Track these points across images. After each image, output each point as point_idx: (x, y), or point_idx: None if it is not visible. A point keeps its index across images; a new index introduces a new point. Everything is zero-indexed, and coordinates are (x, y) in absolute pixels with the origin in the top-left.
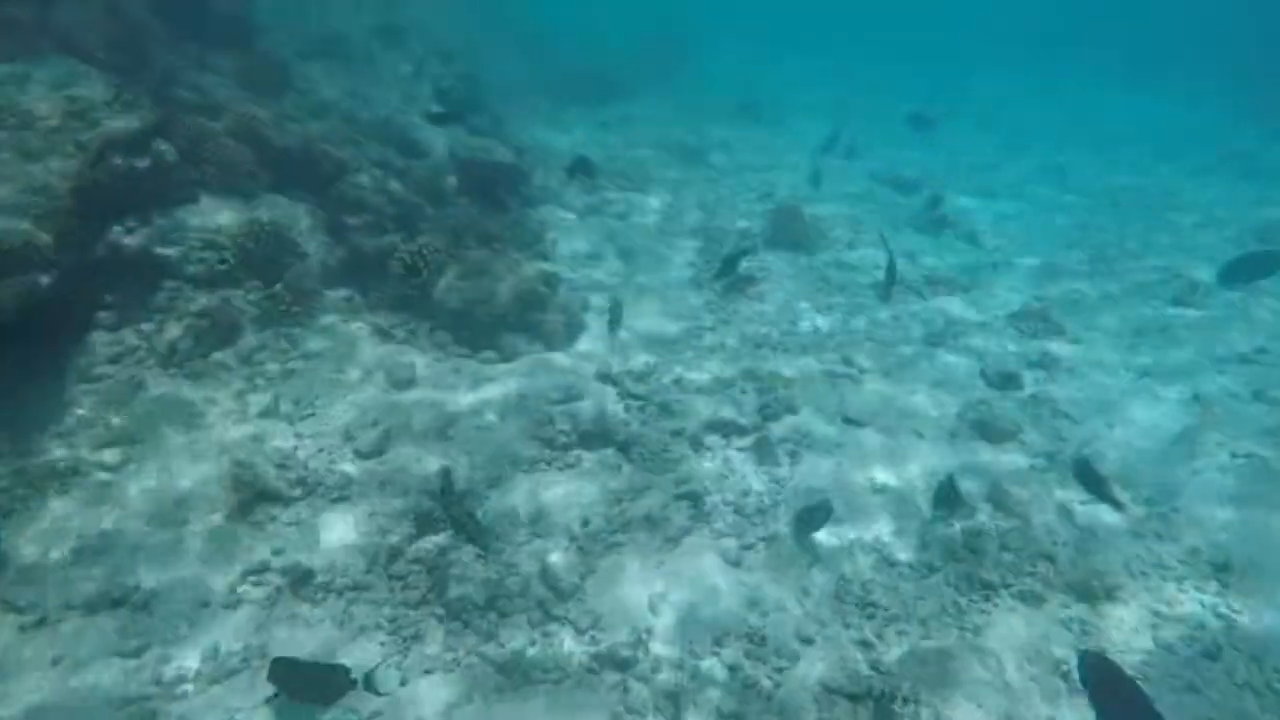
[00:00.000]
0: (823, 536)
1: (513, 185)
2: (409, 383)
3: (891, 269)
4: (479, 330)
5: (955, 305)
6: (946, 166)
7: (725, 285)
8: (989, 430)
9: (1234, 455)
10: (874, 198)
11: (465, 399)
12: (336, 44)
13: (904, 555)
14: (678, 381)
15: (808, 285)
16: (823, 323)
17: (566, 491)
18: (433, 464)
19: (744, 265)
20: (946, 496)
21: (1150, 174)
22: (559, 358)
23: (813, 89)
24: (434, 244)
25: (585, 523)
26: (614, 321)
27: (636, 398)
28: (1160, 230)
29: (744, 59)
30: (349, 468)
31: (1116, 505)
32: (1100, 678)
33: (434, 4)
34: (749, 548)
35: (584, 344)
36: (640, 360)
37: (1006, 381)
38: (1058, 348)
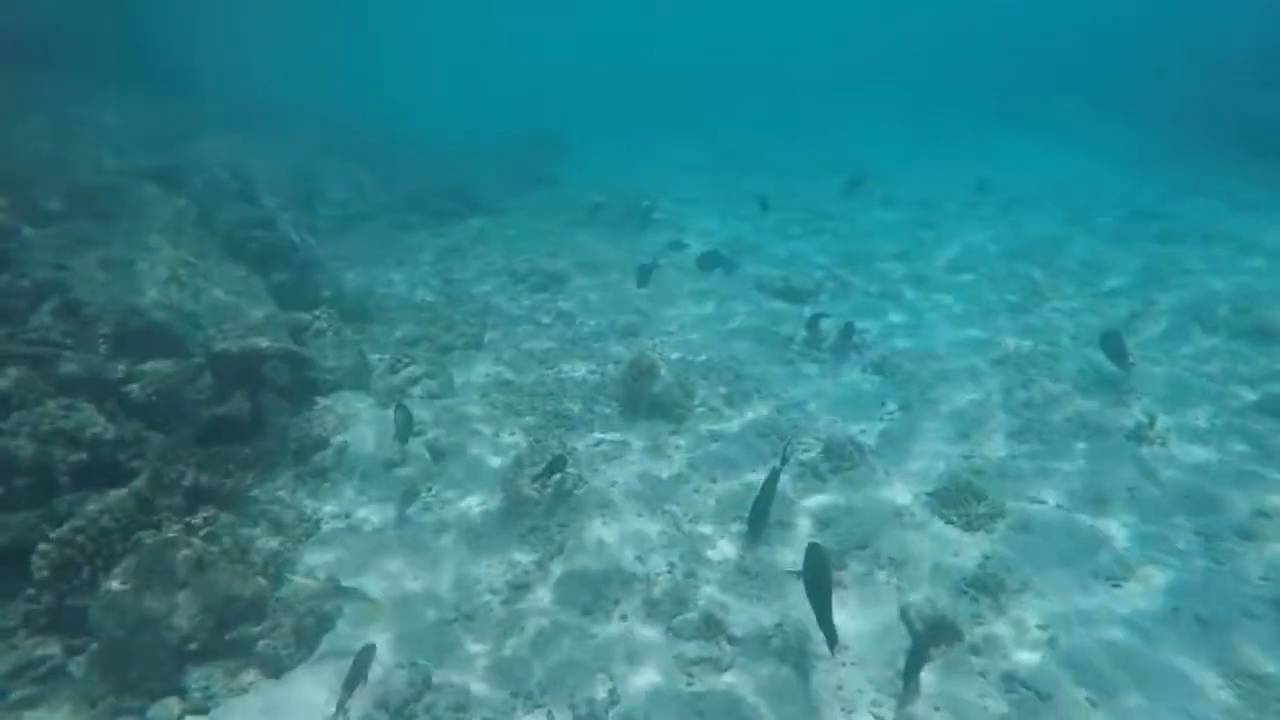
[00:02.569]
0: None
1: (297, 370)
2: None
3: (765, 500)
4: (151, 667)
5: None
6: (847, 258)
7: (554, 494)
8: None
9: None
10: (757, 335)
11: None
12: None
13: None
14: None
15: (663, 494)
16: (680, 575)
17: None
18: None
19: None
20: None
21: (1069, 248)
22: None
23: (699, 174)
24: (113, 515)
25: None
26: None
27: None
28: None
29: (628, 150)
30: None
31: None
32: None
33: (264, 131)
34: None
35: (307, 681)
36: (398, 685)
37: None
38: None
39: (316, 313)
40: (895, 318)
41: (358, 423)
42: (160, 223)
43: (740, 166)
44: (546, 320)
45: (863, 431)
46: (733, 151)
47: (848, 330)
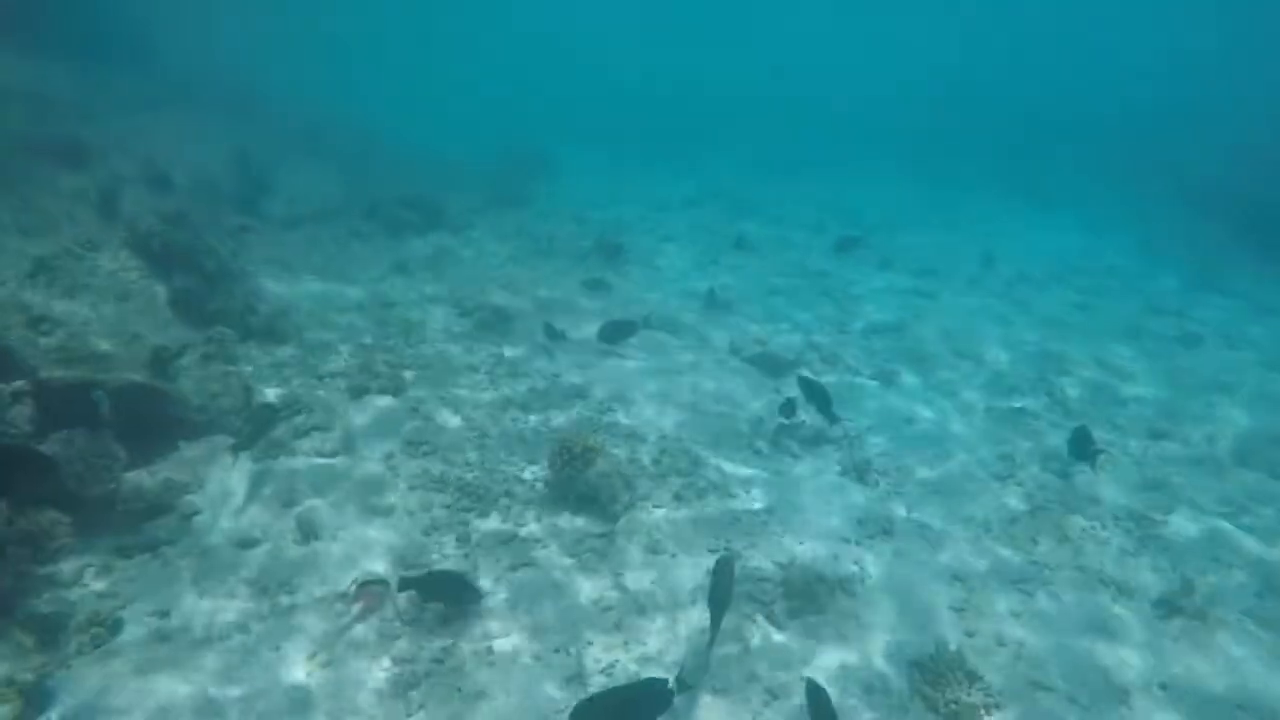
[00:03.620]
0: None
1: (152, 407)
2: None
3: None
4: None
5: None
6: (837, 325)
7: (434, 619)
8: None
9: None
10: (723, 414)
11: None
12: None
13: None
14: None
15: (575, 627)
16: None
17: None
18: None
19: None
20: None
21: (1082, 344)
22: None
23: (685, 211)
24: None
25: None
26: None
27: None
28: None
29: (616, 175)
30: None
31: None
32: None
33: (223, 115)
34: None
35: None
36: None
37: None
38: None
39: (213, 331)
40: (887, 403)
41: (219, 481)
42: (48, 202)
43: (731, 206)
44: (483, 369)
45: (834, 558)
46: (725, 189)
47: (825, 412)
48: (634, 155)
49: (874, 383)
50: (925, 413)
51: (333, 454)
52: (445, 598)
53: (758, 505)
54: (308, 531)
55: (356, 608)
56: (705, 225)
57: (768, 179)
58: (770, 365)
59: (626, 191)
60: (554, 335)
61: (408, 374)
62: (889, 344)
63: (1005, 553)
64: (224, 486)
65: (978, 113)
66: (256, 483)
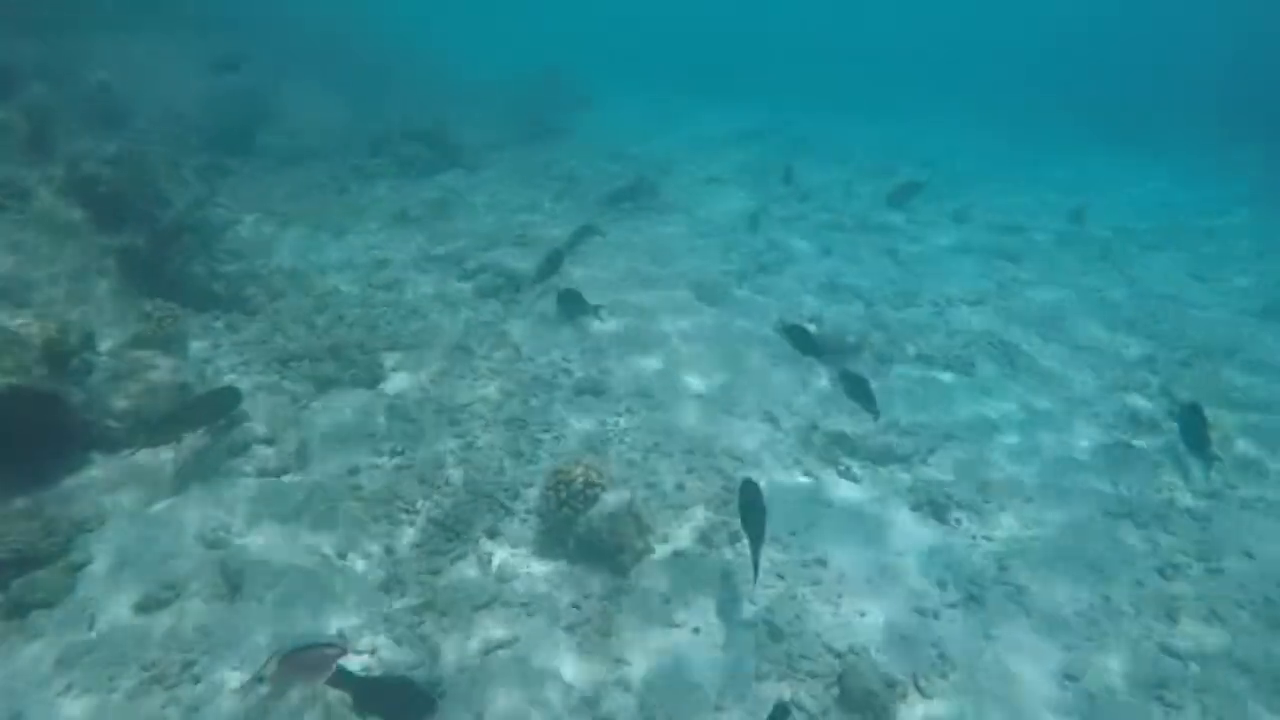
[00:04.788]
0: None
1: (45, 413)
2: None
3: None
4: None
5: None
6: (904, 296)
7: None
8: None
9: None
10: (768, 410)
11: None
12: None
13: None
14: None
15: None
16: None
17: None
18: None
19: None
20: None
21: (1212, 329)
22: None
23: (737, 148)
24: None
25: None
26: None
27: None
28: None
29: (662, 109)
30: None
31: None
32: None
33: (220, 32)
34: None
35: None
36: None
37: None
38: None
39: (152, 305)
40: (968, 407)
41: (126, 515)
42: None
43: (792, 148)
44: (481, 351)
45: (904, 642)
46: (787, 128)
47: (867, 406)
48: (690, 89)
49: (948, 375)
50: (1014, 422)
51: (280, 472)
52: (387, 711)
53: (805, 561)
54: (233, 582)
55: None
56: (762, 168)
57: (841, 122)
58: (818, 350)
59: (675, 127)
60: (572, 310)
61: (389, 359)
62: (965, 321)
63: (1148, 644)
64: (132, 522)
65: (1061, 60)
66: (174, 515)
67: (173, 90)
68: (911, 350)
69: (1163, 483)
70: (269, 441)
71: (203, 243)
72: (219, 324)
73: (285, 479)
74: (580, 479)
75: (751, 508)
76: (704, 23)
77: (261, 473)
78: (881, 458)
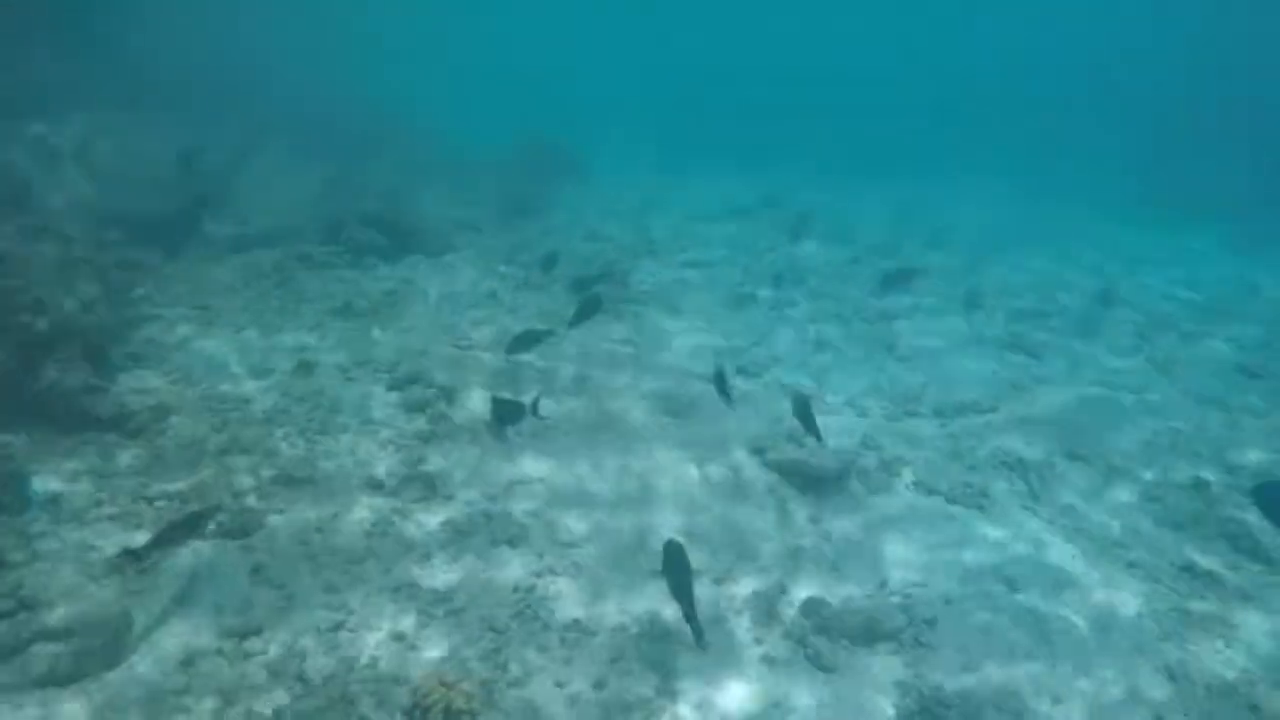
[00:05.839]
0: None
1: None
2: None
3: None
4: None
5: None
6: (906, 401)
7: None
8: None
9: None
10: (739, 549)
11: None
12: None
13: None
14: None
15: None
16: None
17: None
18: None
19: None
20: None
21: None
22: None
23: (732, 223)
24: None
25: None
26: None
27: None
28: None
29: (661, 178)
30: None
31: None
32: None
33: (204, 106)
34: None
35: None
36: None
37: None
38: None
39: None
40: (969, 560)
41: None
42: None
43: (790, 219)
44: (390, 483)
45: None
46: (790, 199)
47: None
48: (690, 161)
49: (953, 508)
50: (1036, 576)
51: (72, 678)
52: None
53: None
54: None
55: None
56: (750, 246)
57: (848, 184)
58: (802, 478)
59: (668, 200)
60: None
61: (277, 497)
62: (975, 435)
63: None
64: None
65: (1088, 115)
66: None
67: (110, 174)
68: (909, 476)
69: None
70: (92, 629)
71: (90, 352)
72: (90, 459)
73: (75, 686)
74: (440, 706)
75: (674, 568)
76: (712, 87)
77: (46, 683)
78: (865, 636)
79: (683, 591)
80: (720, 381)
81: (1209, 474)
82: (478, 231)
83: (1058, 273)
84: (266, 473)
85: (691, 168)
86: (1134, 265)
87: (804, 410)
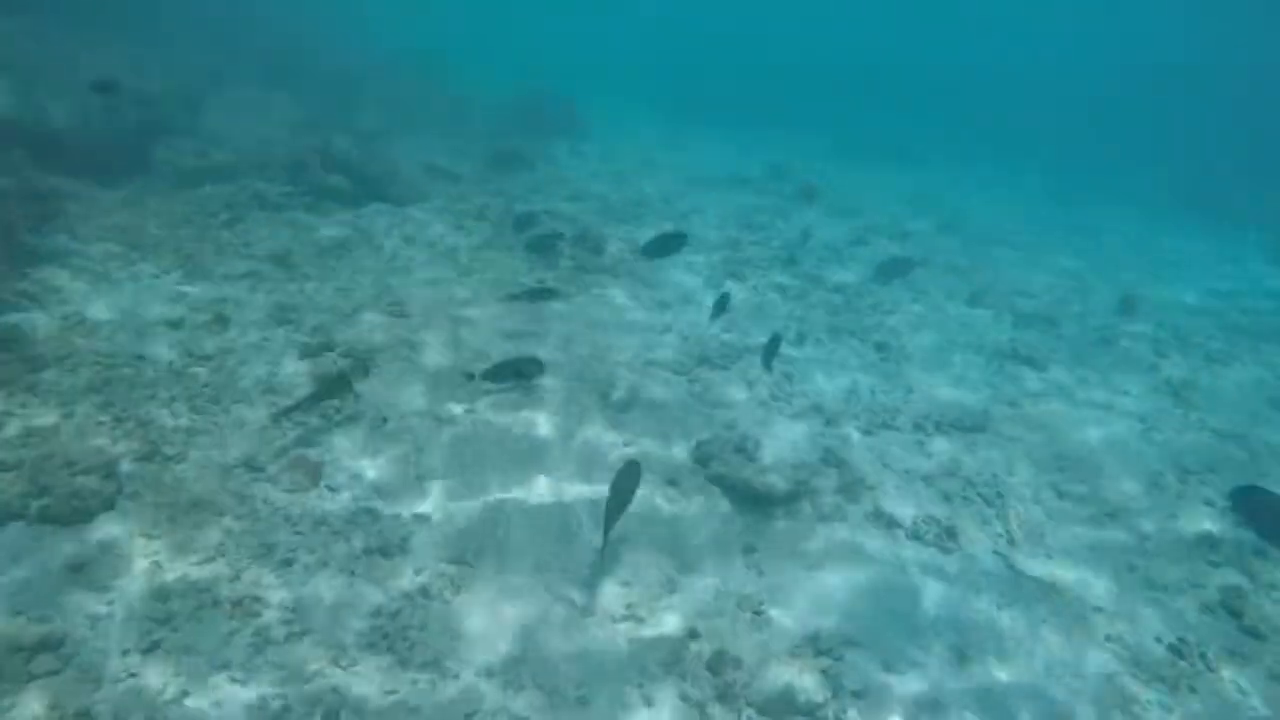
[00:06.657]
0: None
1: None
2: None
3: None
4: None
5: None
6: (888, 414)
7: None
8: None
9: None
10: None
11: None
12: None
13: None
14: None
15: None
16: None
17: None
18: None
19: None
20: None
21: None
22: None
23: (738, 191)
24: None
25: None
26: None
27: None
28: None
29: (669, 136)
30: None
31: None
32: None
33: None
34: None
35: None
36: None
37: None
38: None
39: None
40: (926, 621)
41: None
42: None
43: (797, 196)
44: (271, 470)
45: None
46: (795, 170)
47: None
48: (709, 122)
49: (910, 548)
50: (1010, 650)
51: None
52: None
53: None
54: None
55: None
56: (747, 219)
57: (862, 166)
58: (756, 501)
59: (673, 160)
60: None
61: (130, 481)
62: (954, 456)
63: None
64: None
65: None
66: None
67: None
68: (868, 505)
69: None
70: None
71: None
72: None
73: None
74: None
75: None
76: (732, 51)
77: None
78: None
79: (611, 515)
80: (772, 348)
81: (1215, 526)
82: (455, 182)
83: (1075, 271)
84: (128, 446)
85: (699, 133)
86: (1159, 266)
87: (773, 345)
